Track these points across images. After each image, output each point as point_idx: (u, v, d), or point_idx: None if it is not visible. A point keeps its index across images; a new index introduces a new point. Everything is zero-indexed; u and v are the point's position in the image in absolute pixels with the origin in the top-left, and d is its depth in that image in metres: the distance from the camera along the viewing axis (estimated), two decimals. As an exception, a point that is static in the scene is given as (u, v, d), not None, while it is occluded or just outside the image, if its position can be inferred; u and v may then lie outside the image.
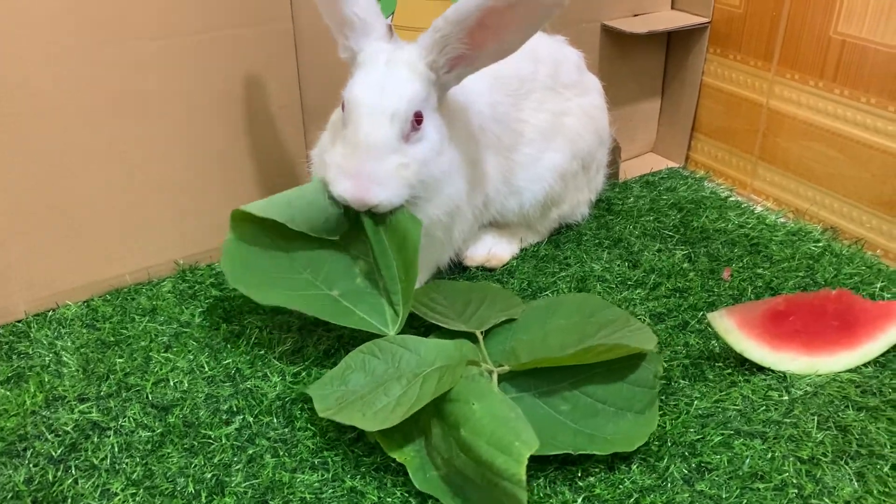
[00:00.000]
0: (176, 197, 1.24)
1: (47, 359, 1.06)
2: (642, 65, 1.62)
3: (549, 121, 1.25)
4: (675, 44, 1.63)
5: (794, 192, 1.47)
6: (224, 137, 1.25)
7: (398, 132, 0.99)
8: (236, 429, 0.95)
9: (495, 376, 0.93)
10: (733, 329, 1.04)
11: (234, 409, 0.98)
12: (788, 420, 0.96)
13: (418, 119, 1.01)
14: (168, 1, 1.12)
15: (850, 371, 1.05)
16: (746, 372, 1.05)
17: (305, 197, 1.04)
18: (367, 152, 0.98)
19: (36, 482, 0.87)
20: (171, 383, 1.02)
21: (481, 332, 1.04)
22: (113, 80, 1.12)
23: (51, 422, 0.95)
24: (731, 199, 1.52)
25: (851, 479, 0.88)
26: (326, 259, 1.06)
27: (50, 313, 1.16)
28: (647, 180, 1.60)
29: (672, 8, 1.61)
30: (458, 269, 1.28)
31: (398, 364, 0.93)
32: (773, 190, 1.51)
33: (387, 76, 1.00)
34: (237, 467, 0.90)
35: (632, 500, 0.86)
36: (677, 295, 1.21)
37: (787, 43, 1.41)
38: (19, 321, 1.15)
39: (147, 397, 1.00)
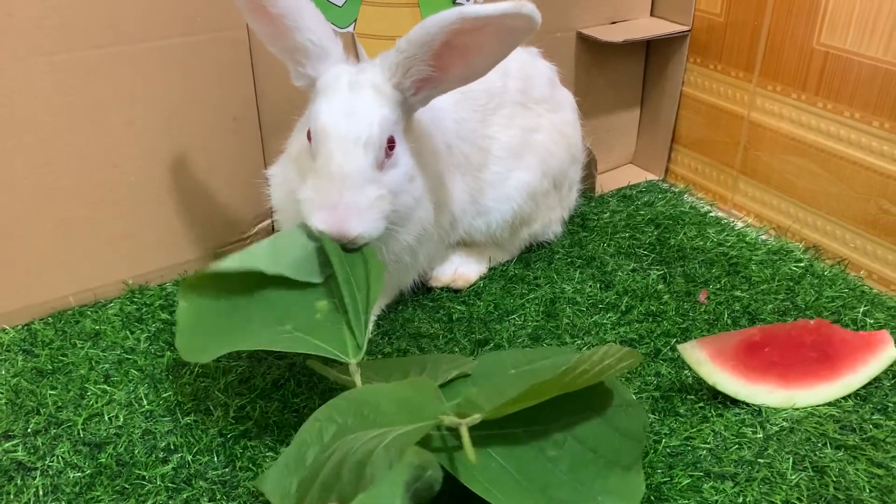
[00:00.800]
0: (124, 212, 1.17)
1: (-23, 390, 1.00)
2: (620, 74, 1.56)
3: (518, 137, 1.19)
4: (654, 52, 1.57)
5: (775, 207, 1.41)
6: (175, 150, 1.19)
7: (372, 161, 0.92)
8: (173, 468, 0.89)
9: (465, 431, 0.77)
10: (706, 361, 0.98)
11: (172, 447, 0.92)
12: (762, 460, 0.91)
13: (391, 145, 0.95)
14: (115, 7, 1.06)
15: (828, 405, 0.99)
16: (720, 406, 0.99)
17: (286, 240, 0.96)
18: (343, 183, 0.91)
19: (-50, 530, 0.81)
20: (107, 418, 0.95)
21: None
22: (53, 90, 1.06)
23: (-29, 462, 0.89)
24: (710, 214, 1.47)
25: (828, 528, 0.83)
26: (287, 300, 0.94)
27: (-14, 338, 1.10)
28: (624, 194, 1.54)
29: (651, 15, 1.55)
30: (421, 291, 1.22)
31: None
32: (754, 205, 1.46)
33: (353, 100, 0.93)
34: (170, 512, 0.84)
35: (592, 550, 0.80)
36: (650, 319, 1.15)
37: (768, 53, 1.35)
38: (-48, 347, 1.09)
39: (79, 434, 0.93)
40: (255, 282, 0.93)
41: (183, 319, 0.93)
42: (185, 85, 1.15)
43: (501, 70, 1.17)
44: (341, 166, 0.91)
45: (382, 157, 0.94)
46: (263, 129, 1.25)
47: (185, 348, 0.92)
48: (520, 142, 1.19)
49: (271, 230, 1.27)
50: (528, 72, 1.22)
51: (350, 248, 0.93)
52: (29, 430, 0.94)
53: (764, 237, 1.39)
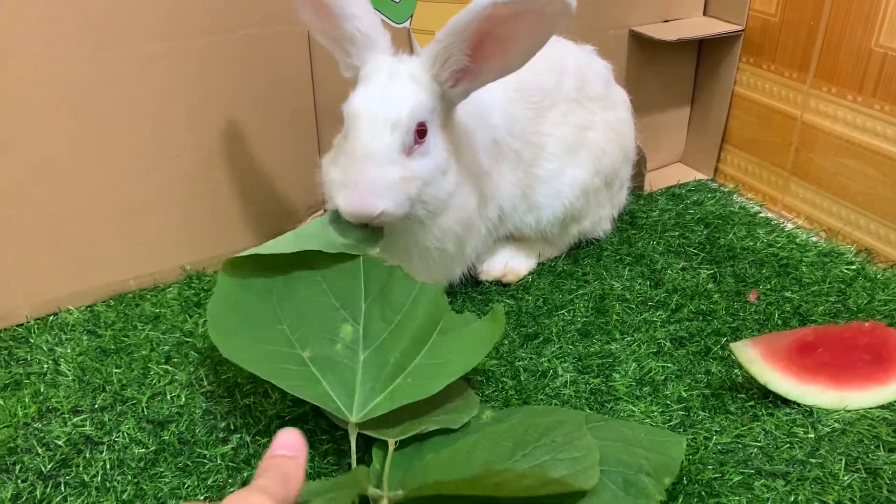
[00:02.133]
0: (184, 201, 1.21)
1: (45, 366, 1.04)
2: (672, 72, 1.56)
3: (572, 135, 1.20)
4: (706, 51, 1.56)
5: (826, 210, 1.40)
6: (233, 141, 1.22)
7: (399, 143, 0.94)
8: (232, 448, 0.92)
9: None
10: (757, 359, 0.98)
11: (232, 427, 0.95)
12: (814, 460, 0.91)
13: (421, 132, 0.97)
14: (179, 2, 1.09)
15: (881, 408, 0.99)
16: (770, 405, 0.99)
17: (316, 226, 0.98)
18: (366, 162, 0.93)
19: (23, 499, 0.85)
20: (169, 397, 0.99)
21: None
22: (118, 82, 1.09)
23: (43, 435, 0.92)
24: (760, 215, 1.46)
25: (880, 529, 0.83)
26: (313, 314, 0.92)
27: (52, 318, 1.14)
28: (673, 192, 1.54)
29: (704, 14, 1.55)
30: (471, 283, 1.24)
31: None
32: (804, 207, 1.45)
33: (388, 87, 0.96)
34: (231, 489, 0.87)
35: (642, 543, 0.81)
36: (700, 318, 1.16)
37: (824, 54, 1.34)
38: (20, 325, 1.13)
39: (143, 411, 0.96)
40: (293, 275, 0.94)
41: (220, 295, 0.94)
42: (245, 78, 1.18)
43: (558, 68, 1.19)
44: (366, 146, 0.93)
45: (411, 141, 0.96)
46: (319, 121, 1.27)
47: (214, 326, 0.92)
48: (574, 139, 1.20)
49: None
50: (583, 70, 1.23)
51: (375, 225, 0.96)
52: (96, 406, 0.97)
53: (814, 239, 1.38)
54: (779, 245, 1.34)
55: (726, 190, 1.56)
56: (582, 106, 1.21)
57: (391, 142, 0.94)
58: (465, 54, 0.95)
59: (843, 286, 1.23)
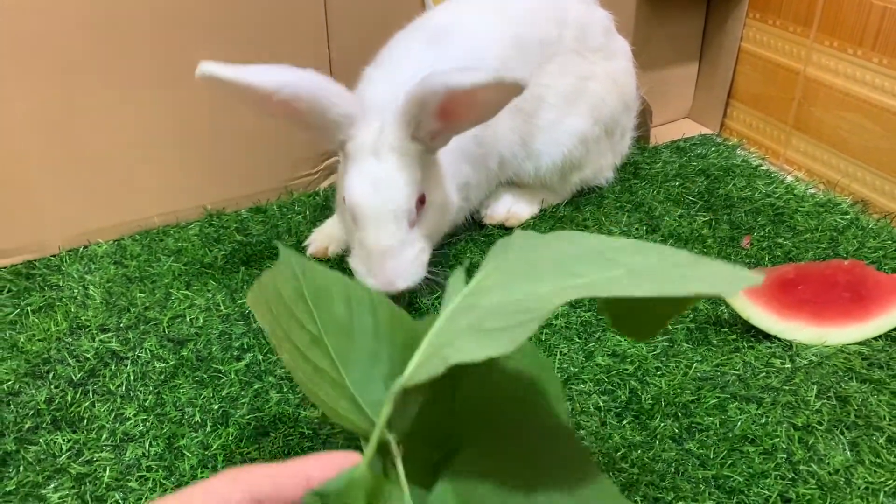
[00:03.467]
0: (206, 142, 1.28)
1: (76, 291, 1.12)
2: (680, 28, 1.59)
3: (572, 85, 1.25)
4: (714, 7, 1.59)
5: (826, 163, 1.44)
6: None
7: (405, 227, 1.02)
8: (245, 365, 1.00)
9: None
10: (740, 295, 1.04)
11: (245, 347, 1.03)
12: (788, 387, 0.96)
13: (421, 199, 1.04)
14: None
15: (858, 343, 1.04)
16: (752, 339, 1.05)
17: None
18: (382, 256, 1.01)
19: (56, 402, 0.93)
20: (188, 319, 1.07)
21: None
22: (145, 19, 1.15)
23: (73, 348, 1.01)
24: (761, 167, 1.50)
25: (844, 448, 0.88)
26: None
27: (82, 250, 1.22)
28: (678, 146, 1.58)
29: (714, -30, 1.57)
30: (474, 227, 1.30)
31: None
32: (805, 160, 1.48)
33: (378, 170, 1.00)
34: (243, 400, 0.95)
35: (619, 453, 0.87)
36: (692, 260, 1.20)
37: (826, 9, 1.37)
38: (54, 256, 1.21)
39: (164, 331, 1.05)
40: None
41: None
42: (264, 21, 1.24)
43: (558, 20, 1.23)
44: (378, 242, 1.01)
45: (414, 217, 1.03)
46: (334, 71, 1.33)
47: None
48: (574, 89, 1.25)
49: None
50: (584, 21, 1.27)
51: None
52: (121, 325, 1.05)
53: (812, 191, 1.42)
54: (776, 195, 1.38)
55: (730, 144, 1.60)
56: (582, 56, 1.25)
57: (398, 231, 1.01)
58: (435, 120, 0.98)
59: (835, 234, 1.27)
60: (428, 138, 1.02)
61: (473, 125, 1.03)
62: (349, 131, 1.01)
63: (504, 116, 1.18)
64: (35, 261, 1.20)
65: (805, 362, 1.00)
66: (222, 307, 1.09)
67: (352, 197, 1.01)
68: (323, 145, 1.07)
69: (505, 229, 1.31)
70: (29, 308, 1.09)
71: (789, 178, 1.47)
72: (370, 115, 1.01)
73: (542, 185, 1.32)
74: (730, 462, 0.86)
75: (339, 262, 1.19)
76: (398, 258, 1.02)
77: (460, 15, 1.20)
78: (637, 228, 1.29)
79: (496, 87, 0.91)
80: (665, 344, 1.03)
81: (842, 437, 0.90)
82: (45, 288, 1.14)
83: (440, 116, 0.98)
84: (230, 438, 0.89)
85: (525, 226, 1.31)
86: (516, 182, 1.31)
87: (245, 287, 1.13)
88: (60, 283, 1.14)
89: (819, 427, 0.91)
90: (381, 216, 1.00)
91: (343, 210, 1.07)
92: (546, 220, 1.33)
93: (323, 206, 1.34)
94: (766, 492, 0.83)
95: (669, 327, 1.06)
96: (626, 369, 0.99)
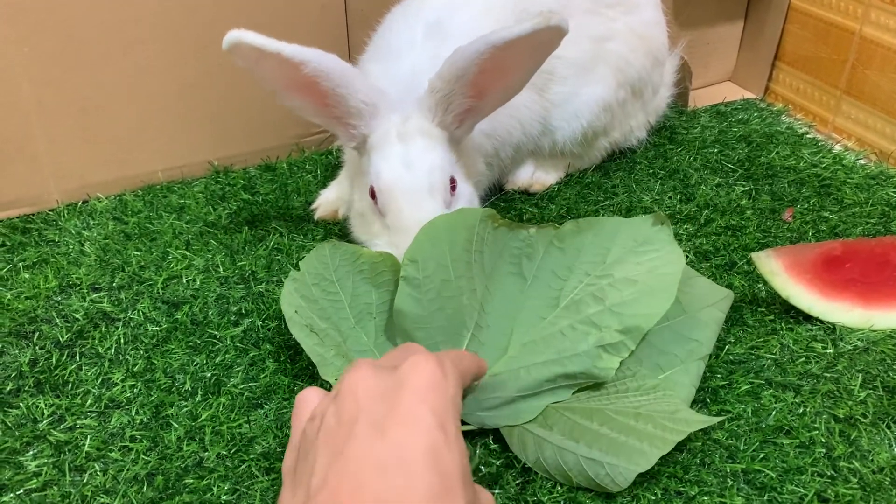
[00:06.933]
0: (212, 95, 1.21)
1: (71, 247, 1.07)
2: (725, -17, 1.48)
3: (588, 51, 1.13)
4: (764, -40, 1.47)
5: (879, 131, 1.33)
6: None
7: (441, 205, 0.91)
8: (243, 331, 0.94)
9: None
10: (780, 272, 0.95)
11: (244, 312, 0.97)
12: (829, 375, 0.88)
13: (453, 185, 0.94)
14: None
15: (910, 328, 0.94)
16: (791, 320, 0.96)
17: None
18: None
19: (40, 364, 0.88)
20: (185, 280, 1.01)
21: None
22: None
23: (62, 307, 0.96)
24: (808, 135, 1.39)
25: (891, 445, 0.80)
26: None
27: (81, 204, 1.17)
28: (718, 110, 1.48)
29: (765, -80, 1.45)
30: (496, 192, 1.22)
31: None
32: (856, 128, 1.37)
33: (407, 152, 0.92)
34: (238, 369, 0.89)
35: (639, 441, 0.80)
36: (729, 233, 1.12)
37: (889, -39, 1.25)
38: (52, 210, 1.16)
39: (159, 292, 0.99)
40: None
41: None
42: (284, 4, 1.17)
43: None
44: (413, 217, 0.89)
45: (449, 198, 0.93)
46: (350, 18, 1.25)
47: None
48: (590, 55, 1.14)
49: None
50: None
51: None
52: (114, 284, 1.00)
53: (863, 161, 1.31)
54: (823, 166, 1.28)
55: (774, 109, 1.49)
56: (598, 14, 1.14)
57: (435, 207, 0.91)
58: (467, 96, 0.92)
59: (887, 209, 1.17)
60: (454, 124, 0.94)
61: (501, 101, 0.96)
62: (371, 122, 0.94)
63: (516, 104, 1.08)
64: (32, 214, 1.15)
65: (849, 348, 0.91)
66: (221, 269, 1.03)
67: (383, 180, 0.92)
68: (339, 138, 0.99)
69: (528, 195, 1.23)
70: (22, 264, 1.04)
71: (838, 148, 1.36)
72: (388, 109, 0.94)
73: (567, 152, 1.23)
74: (762, 455, 0.78)
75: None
76: None
77: None
78: (670, 197, 1.20)
79: (537, 36, 0.84)
80: (695, 323, 0.95)
81: (888, 431, 0.81)
82: (41, 243, 1.08)
83: (472, 90, 0.91)
84: (220, 409, 0.83)
85: (549, 191, 1.23)
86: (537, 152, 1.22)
87: (247, 248, 1.07)
88: (57, 239, 1.09)
89: (863, 420, 0.82)
90: (416, 192, 0.91)
91: (360, 210, 0.98)
92: (572, 186, 1.24)
93: (335, 165, 1.27)
94: (802, 490, 0.75)
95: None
96: (652, 349, 0.91)
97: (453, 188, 0.94)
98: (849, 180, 1.24)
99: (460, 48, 0.87)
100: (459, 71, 0.88)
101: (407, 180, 0.91)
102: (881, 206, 1.17)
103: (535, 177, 1.23)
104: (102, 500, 0.74)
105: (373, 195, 0.93)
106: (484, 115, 0.97)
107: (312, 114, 0.95)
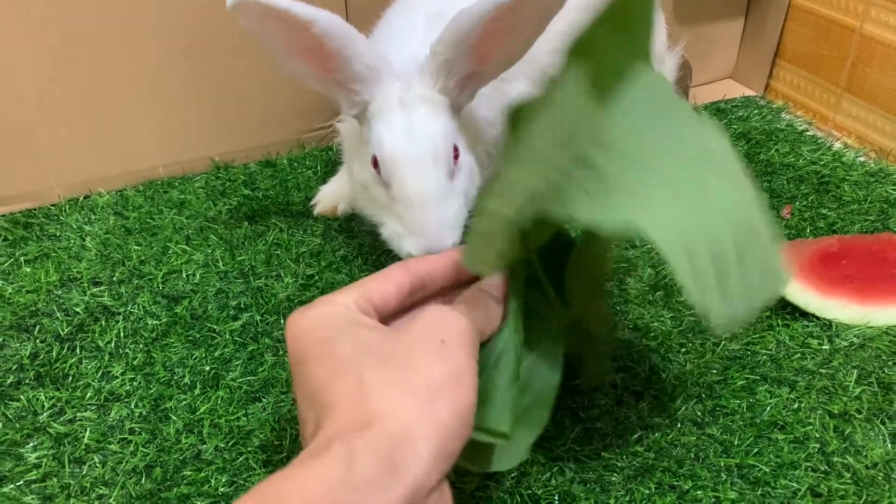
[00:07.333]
0: (214, 91, 1.22)
1: (72, 241, 1.08)
2: (726, -20, 1.48)
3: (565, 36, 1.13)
4: (764, -42, 1.47)
5: (879, 129, 1.33)
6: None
7: (445, 174, 0.90)
8: (242, 325, 0.94)
9: None
10: (777, 268, 0.95)
11: (243, 306, 0.97)
12: (824, 371, 0.88)
13: (456, 154, 0.92)
14: None
15: (906, 325, 0.95)
16: (787, 316, 0.96)
17: None
18: (424, 206, 0.89)
19: (41, 357, 0.89)
20: (184, 275, 1.01)
21: None
22: (147, -37, 1.09)
23: (63, 301, 0.97)
24: (807, 133, 1.39)
25: (885, 440, 0.80)
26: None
27: (83, 199, 1.18)
28: (718, 107, 1.48)
29: (766, -83, 1.45)
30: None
31: None
32: (856, 126, 1.37)
33: (409, 119, 0.90)
34: (237, 362, 0.89)
35: (634, 436, 0.80)
36: (726, 230, 1.12)
37: (889, -42, 1.25)
38: (53, 205, 1.17)
39: (159, 287, 1.00)
40: None
41: None
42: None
43: None
44: (418, 189, 0.88)
45: (452, 167, 0.92)
46: (350, 14, 1.25)
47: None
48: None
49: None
50: None
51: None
52: (114, 278, 1.01)
53: (862, 159, 1.31)
54: (822, 163, 1.28)
55: (774, 107, 1.49)
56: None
57: (439, 176, 0.89)
58: (468, 61, 0.90)
59: (885, 206, 1.17)
60: (455, 90, 0.93)
61: (503, 67, 0.94)
62: (373, 88, 0.92)
63: (521, 78, 1.08)
64: (34, 209, 1.15)
65: (845, 344, 0.92)
66: (221, 264, 1.03)
67: (384, 149, 0.90)
68: (346, 110, 0.98)
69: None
70: (23, 258, 1.05)
71: (837, 145, 1.36)
72: (390, 76, 0.92)
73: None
74: (756, 450, 0.79)
75: (348, 221, 1.13)
76: (443, 207, 0.90)
77: None
78: (668, 194, 1.20)
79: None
80: (691, 319, 0.95)
81: (882, 427, 0.81)
82: (43, 238, 1.09)
83: (474, 53, 0.89)
84: (219, 402, 0.84)
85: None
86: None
87: (247, 243, 1.08)
88: (58, 234, 1.10)
89: (857, 415, 0.83)
90: (419, 160, 0.89)
91: (363, 181, 0.97)
92: (571, 183, 1.24)
93: (336, 161, 1.27)
94: (795, 484, 0.75)
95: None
96: (648, 345, 0.92)
97: (456, 157, 0.93)
98: (848, 177, 1.24)
99: (463, 10, 0.85)
100: (462, 35, 0.86)
101: (409, 148, 0.89)
102: (880, 203, 1.18)
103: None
104: (101, 491, 0.75)
105: (375, 164, 0.92)
106: (484, 81, 0.95)
107: (314, 79, 0.93)
